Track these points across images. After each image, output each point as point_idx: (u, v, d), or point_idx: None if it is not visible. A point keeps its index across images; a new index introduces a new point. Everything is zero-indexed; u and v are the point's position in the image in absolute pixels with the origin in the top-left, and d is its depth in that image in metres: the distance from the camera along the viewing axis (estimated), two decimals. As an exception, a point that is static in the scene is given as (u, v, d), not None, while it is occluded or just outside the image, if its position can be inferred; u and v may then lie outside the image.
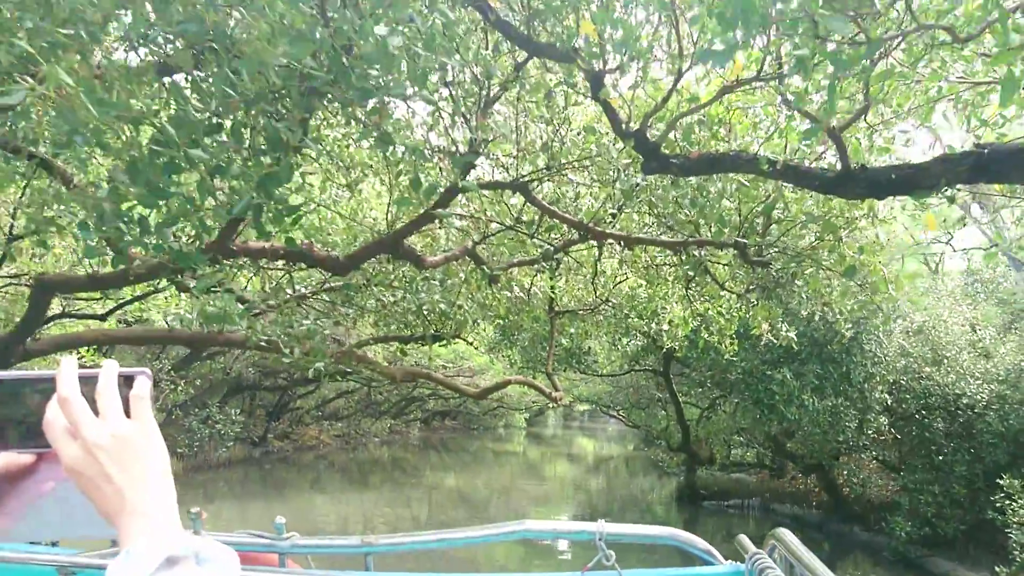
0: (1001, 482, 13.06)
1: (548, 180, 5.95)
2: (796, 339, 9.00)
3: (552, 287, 9.71)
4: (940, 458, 15.32)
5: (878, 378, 14.08)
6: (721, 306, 9.28)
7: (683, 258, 8.18)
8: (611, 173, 5.70)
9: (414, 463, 37.29)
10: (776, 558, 2.43)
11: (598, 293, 9.72)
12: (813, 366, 13.08)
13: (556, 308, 11.14)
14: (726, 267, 8.63)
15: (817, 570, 2.14)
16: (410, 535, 2.83)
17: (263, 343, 7.56)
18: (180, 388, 22.48)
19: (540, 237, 6.82)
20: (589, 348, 14.85)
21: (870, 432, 14.59)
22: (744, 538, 2.66)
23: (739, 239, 5.85)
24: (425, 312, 7.94)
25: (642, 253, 8.86)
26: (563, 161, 5.64)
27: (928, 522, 15.11)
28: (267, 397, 32.44)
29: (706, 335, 9.58)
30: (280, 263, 6.27)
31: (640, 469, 37.97)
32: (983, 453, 14.92)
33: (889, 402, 14.60)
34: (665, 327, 9.80)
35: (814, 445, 17.49)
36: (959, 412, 15.42)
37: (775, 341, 9.77)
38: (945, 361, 15.72)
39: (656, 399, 21.66)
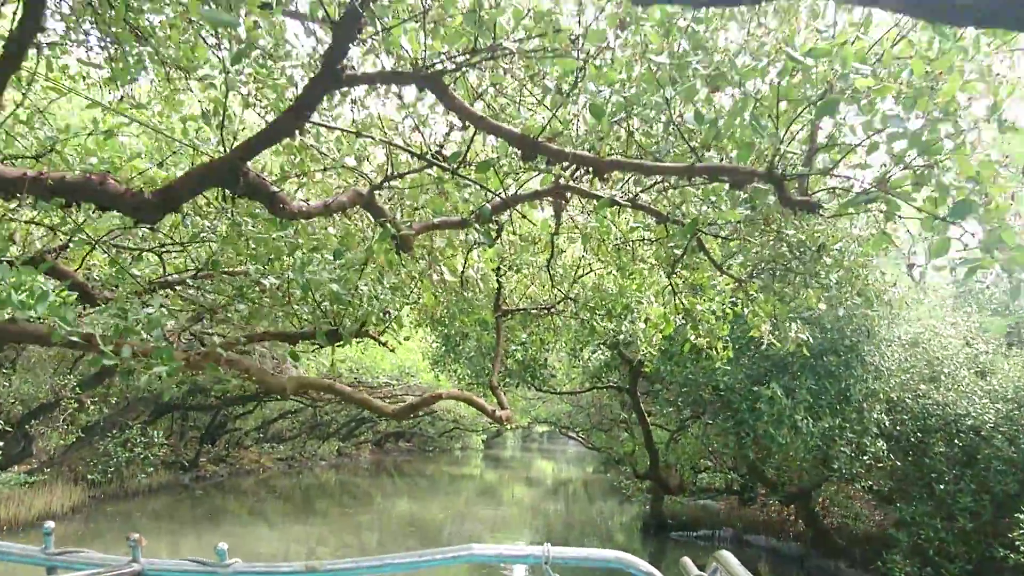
0: (1021, 515, 11.07)
1: (475, 67, 3.75)
2: (807, 342, 6.78)
3: (496, 270, 7.43)
4: (941, 487, 13.28)
5: (881, 395, 12.05)
6: (712, 299, 7.05)
7: (669, 231, 5.95)
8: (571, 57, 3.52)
9: (364, 488, 34.59)
10: None
11: (555, 284, 7.46)
12: (807, 381, 10.99)
13: (504, 306, 8.84)
14: (723, 243, 6.44)
15: None
16: (354, 560, 2.82)
17: (75, 339, 5.09)
18: (90, 408, 19.74)
19: (467, 175, 4.55)
20: (546, 361, 12.69)
21: (865, 459, 12.50)
22: (687, 560, 2.73)
23: (773, 169, 3.66)
24: (317, 299, 5.61)
25: (610, 228, 6.63)
26: (498, 42, 3.44)
27: (930, 561, 13.04)
28: (201, 418, 29.57)
29: (692, 337, 7.36)
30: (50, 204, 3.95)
31: (600, 493, 35.93)
32: (990, 482, 12.91)
33: (886, 423, 12.52)
34: (641, 327, 7.56)
35: (801, 473, 15.36)
36: (961, 435, 13.44)
37: (777, 346, 7.58)
38: (942, 378, 13.77)
39: (620, 420, 19.42)
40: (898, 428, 12.98)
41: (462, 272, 6.74)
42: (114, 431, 22.25)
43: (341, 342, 5.92)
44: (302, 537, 21.69)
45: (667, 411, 15.14)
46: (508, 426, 7.51)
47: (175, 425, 28.51)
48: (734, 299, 7.36)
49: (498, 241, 7.86)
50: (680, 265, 6.61)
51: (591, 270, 7.63)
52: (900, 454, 13.06)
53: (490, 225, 5.64)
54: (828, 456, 12.06)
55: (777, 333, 6.94)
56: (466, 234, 6.13)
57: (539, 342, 10.11)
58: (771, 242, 5.96)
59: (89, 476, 21.14)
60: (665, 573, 2.55)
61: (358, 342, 7.38)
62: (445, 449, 56.12)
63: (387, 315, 6.32)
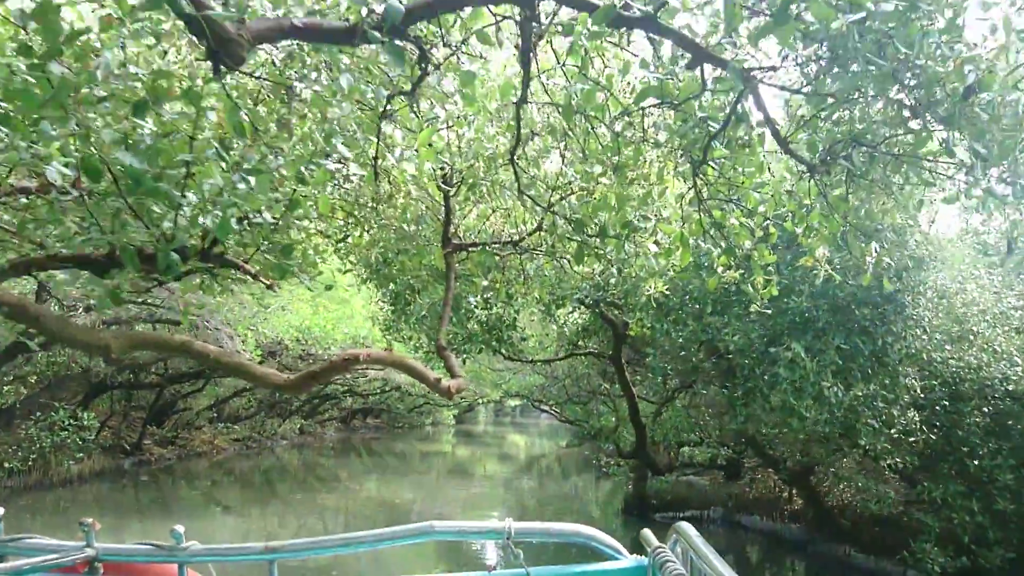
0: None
1: None
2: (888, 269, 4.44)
3: (444, 182, 5.04)
4: (976, 463, 11.18)
5: (924, 356, 9.90)
6: (753, 211, 4.67)
7: (702, 86, 3.57)
8: None
9: (329, 468, 32.16)
10: (678, 552, 2.53)
11: (522, 191, 5.04)
12: (835, 340, 8.74)
13: (456, 239, 6.44)
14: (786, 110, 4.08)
15: (714, 564, 2.14)
16: (315, 539, 2.78)
17: None
18: (5, 389, 17.11)
19: None
20: (515, 321, 10.37)
21: (892, 432, 10.31)
22: (648, 532, 2.77)
23: None
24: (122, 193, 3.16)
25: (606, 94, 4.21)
26: None
27: (964, 548, 10.97)
28: (146, 397, 26.89)
29: (721, 269, 5.01)
30: None
31: (574, 468, 34.01)
32: (1035, 456, 10.88)
33: (918, 390, 10.33)
34: (652, 248, 5.17)
35: (807, 448, 13.18)
36: (996, 402, 11.33)
37: (835, 279, 5.27)
38: (970, 337, 11.63)
39: (600, 391, 17.17)
40: (925, 395, 10.81)
41: (376, 160, 4.30)
42: (37, 414, 19.59)
43: (170, 274, 3.49)
44: (262, 522, 19.41)
45: (656, 380, 12.93)
46: (455, 398, 5.18)
47: (116, 406, 25.80)
48: (783, 212, 4.99)
49: (443, 136, 5.41)
50: (712, 153, 4.20)
51: (570, 176, 5.21)
52: (927, 425, 10.88)
53: (409, 52, 3.22)
54: (850, 430, 9.85)
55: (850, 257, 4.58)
56: (368, 81, 3.68)
57: (504, 293, 7.71)
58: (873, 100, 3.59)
59: (7, 464, 18.47)
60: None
61: (231, 280, 4.91)
62: (415, 425, 53.73)
63: (251, 225, 3.87)
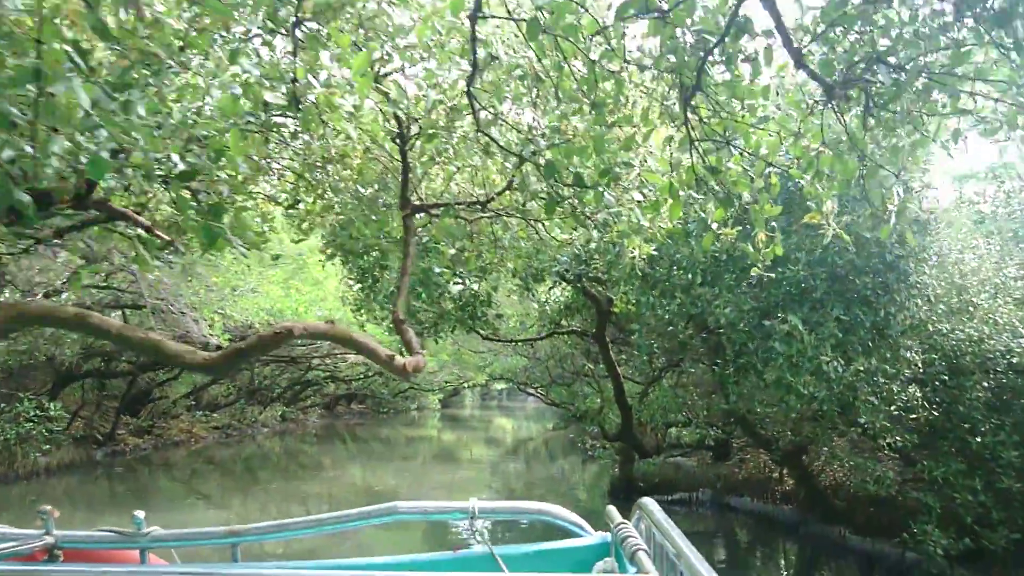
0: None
1: None
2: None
3: (399, 138, 4.31)
4: (978, 440, 10.58)
5: (929, 327, 9.27)
6: (754, 152, 3.95)
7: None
8: None
9: (312, 455, 31.43)
10: (642, 528, 2.53)
11: (480, 127, 4.28)
12: (834, 311, 8.05)
13: (414, 198, 5.70)
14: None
15: (675, 539, 2.16)
16: (278, 523, 2.72)
17: None
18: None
19: None
20: (489, 297, 9.60)
21: (893, 409, 9.68)
22: (612, 509, 2.70)
23: None
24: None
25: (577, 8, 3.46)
26: None
27: (967, 529, 10.39)
28: (120, 386, 26.01)
29: (716, 226, 4.29)
30: None
31: (561, 451, 33.50)
32: (1038, 432, 10.29)
33: (919, 364, 9.70)
34: (638, 197, 4.43)
35: (799, 427, 12.57)
36: (998, 376, 10.74)
37: (845, 241, 4.56)
38: (970, 308, 11.00)
39: (584, 372, 16.43)
40: (924, 370, 10.17)
41: (294, 81, 3.53)
42: (0, 405, 18.72)
43: (28, 223, 2.72)
44: (242, 510, 18.69)
45: (642, 359, 12.22)
46: (413, 378, 4.45)
47: (87, 396, 24.92)
48: (787, 159, 4.28)
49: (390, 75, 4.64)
50: (707, 80, 3.46)
51: (541, 123, 4.46)
52: (927, 401, 10.26)
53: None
54: (847, 407, 9.20)
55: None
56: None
57: (475, 263, 6.97)
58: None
59: (-33, 458, 17.64)
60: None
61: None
62: (400, 410, 52.98)
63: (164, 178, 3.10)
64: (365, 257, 9.44)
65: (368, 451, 34.31)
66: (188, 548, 2.78)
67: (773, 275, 8.32)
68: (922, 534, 10.41)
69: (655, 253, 8.24)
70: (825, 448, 12.83)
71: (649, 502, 2.56)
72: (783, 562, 13.83)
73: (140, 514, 2.71)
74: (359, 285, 9.78)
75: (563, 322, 13.23)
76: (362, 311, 11.74)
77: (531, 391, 34.84)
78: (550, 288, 11.05)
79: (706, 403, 14.62)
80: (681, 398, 14.22)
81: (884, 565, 12.07)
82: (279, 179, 6.52)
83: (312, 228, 7.15)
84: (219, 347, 15.39)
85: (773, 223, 4.46)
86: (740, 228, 4.66)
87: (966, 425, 10.72)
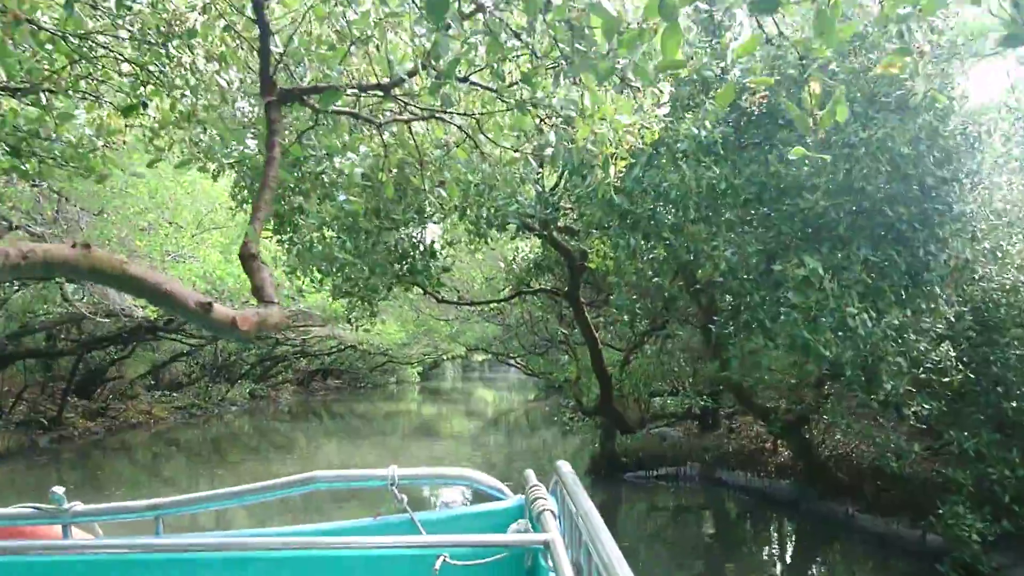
0: None
1: None
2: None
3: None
4: (1014, 405, 8.90)
5: (978, 271, 7.53)
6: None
7: None
8: None
9: (286, 433, 29.55)
10: (558, 492, 2.63)
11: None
12: (860, 250, 6.20)
13: (280, 84, 3.77)
14: None
15: (580, 500, 2.21)
16: (199, 495, 2.73)
17: None
18: None
19: None
20: (432, 247, 7.71)
21: (920, 372, 7.94)
22: (529, 472, 2.80)
23: None
24: None
25: None
26: None
27: (1006, 510, 8.73)
28: (68, 366, 23.96)
29: (745, 53, 2.46)
30: None
31: (542, 421, 31.95)
32: (1086, 395, 8.63)
33: (951, 316, 7.94)
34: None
35: (800, 394, 10.85)
36: (1035, 331, 9.04)
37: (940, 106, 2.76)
38: (1000, 255, 9.25)
39: (558, 338, 14.55)
40: (954, 324, 8.43)
41: None
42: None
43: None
44: (180, 516, 16.74)
45: (622, 322, 10.38)
46: (249, 336, 2.62)
47: (29, 377, 22.89)
48: None
49: None
50: None
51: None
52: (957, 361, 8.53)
53: None
54: (867, 370, 7.43)
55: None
56: None
57: (390, 185, 5.05)
58: None
59: None
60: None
61: None
62: (378, 384, 51.09)
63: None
64: (281, 202, 7.52)
65: (344, 427, 32.51)
66: (111, 522, 2.74)
67: (776, 211, 6.49)
68: (952, 516, 8.73)
69: (638, 184, 6.37)
70: (825, 417, 11.09)
71: (563, 465, 2.68)
72: (782, 541, 12.18)
73: (59, 490, 2.65)
74: (275, 234, 7.86)
75: (532, 283, 11.35)
76: (296, 273, 9.80)
77: (512, 362, 33.24)
78: (512, 238, 9.20)
79: (692, 370, 12.86)
80: (666, 365, 12.45)
81: (900, 548, 10.41)
82: (107, 72, 4.57)
83: (171, 145, 5.22)
84: (144, 318, 13.40)
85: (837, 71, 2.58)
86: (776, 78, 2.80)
87: (999, 389, 9.03)
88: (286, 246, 8.04)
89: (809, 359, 6.29)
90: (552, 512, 2.41)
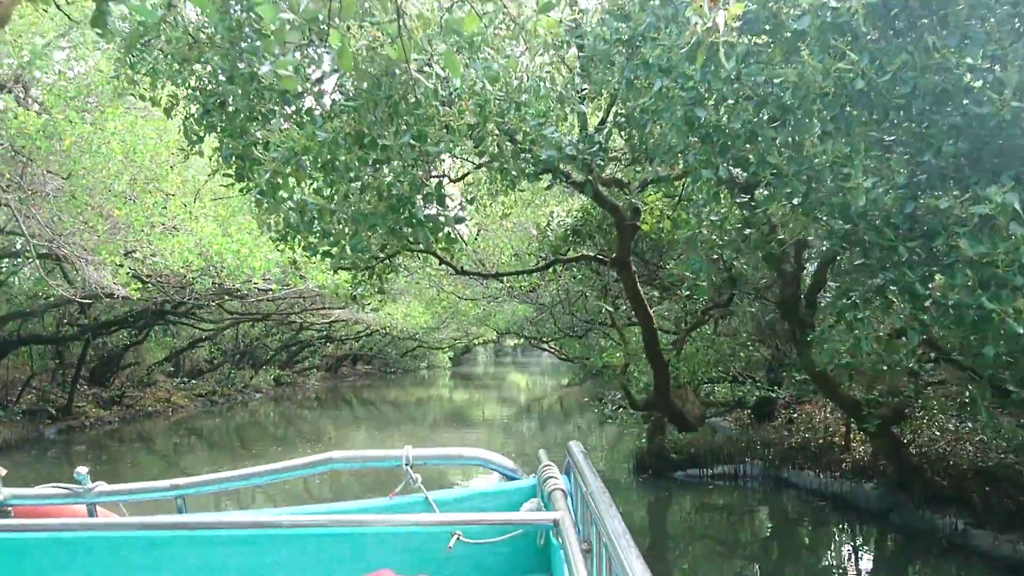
0: None
1: None
2: None
3: None
4: None
5: None
6: None
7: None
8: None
9: (313, 420, 27.92)
10: (571, 472, 2.60)
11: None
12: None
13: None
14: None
15: (589, 480, 2.16)
16: (219, 475, 2.86)
17: None
18: None
19: None
20: (440, 188, 5.74)
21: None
22: (542, 452, 2.88)
23: None
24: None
25: None
26: None
27: None
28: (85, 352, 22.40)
29: None
30: None
31: (577, 408, 29.96)
32: None
33: None
34: None
35: (896, 386, 8.64)
36: None
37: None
38: None
39: (599, 318, 12.22)
40: None
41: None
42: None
43: None
44: (232, 489, 15.07)
45: (680, 296, 8.24)
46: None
47: (40, 363, 21.36)
48: None
49: None
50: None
51: None
52: None
53: None
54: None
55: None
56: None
57: (346, 58, 3.01)
58: None
59: None
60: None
61: None
62: (409, 370, 49.30)
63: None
64: (234, 141, 5.52)
65: (373, 415, 30.82)
66: (134, 502, 2.80)
67: (951, 116, 4.30)
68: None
69: (729, 85, 4.24)
70: (939, 415, 8.85)
71: (575, 445, 2.62)
72: (878, 561, 9.95)
73: (83, 470, 2.72)
74: (240, 185, 5.85)
75: (570, 251, 9.15)
76: (288, 239, 7.79)
77: (544, 346, 31.29)
78: (548, 187, 7.09)
79: (760, 355, 10.65)
80: (729, 348, 10.26)
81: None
82: None
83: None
84: (125, 297, 11.54)
85: None
86: None
87: None
88: (252, 198, 6.01)
89: (992, 332, 4.14)
90: (563, 491, 2.42)
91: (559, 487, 2.43)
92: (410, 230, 5.12)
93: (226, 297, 15.63)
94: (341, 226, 5.35)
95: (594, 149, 6.31)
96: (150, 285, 12.95)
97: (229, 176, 6.04)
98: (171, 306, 17.85)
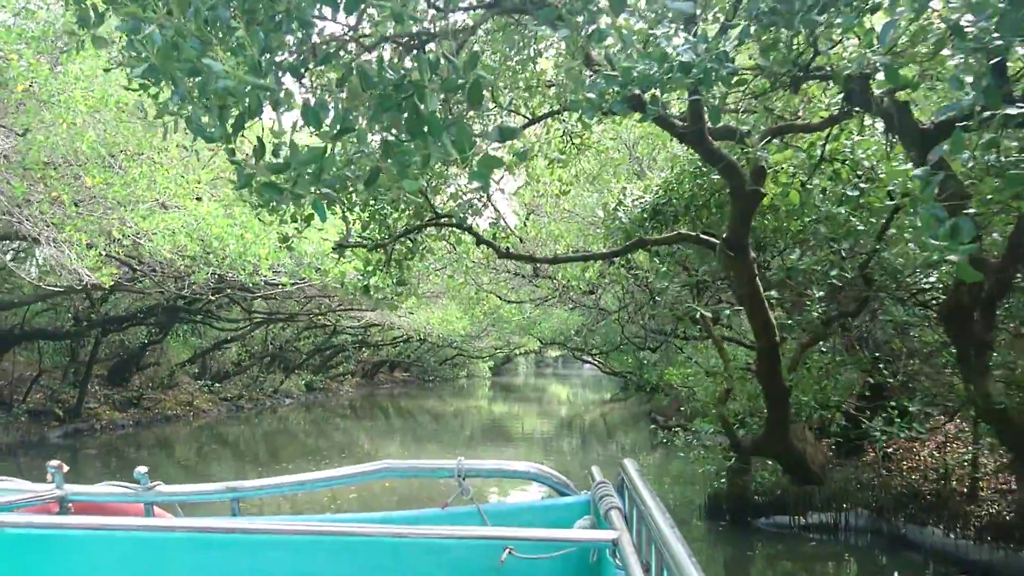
0: None
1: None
2: None
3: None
4: None
5: None
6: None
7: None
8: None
9: (346, 429, 25.73)
10: (624, 491, 2.46)
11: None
12: None
13: None
14: None
15: (646, 499, 2.10)
16: (274, 479, 2.90)
17: None
18: None
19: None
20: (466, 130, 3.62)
21: None
22: (595, 469, 2.78)
23: None
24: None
25: None
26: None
27: None
28: (104, 350, 20.47)
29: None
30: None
31: (621, 425, 27.43)
32: None
33: None
34: None
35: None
36: None
37: None
38: None
39: (684, 325, 9.34)
40: None
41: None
42: None
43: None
44: (255, 498, 12.83)
45: (812, 302, 5.75)
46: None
47: (54, 360, 19.47)
48: None
49: None
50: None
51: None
52: None
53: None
54: None
55: None
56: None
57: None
58: None
59: None
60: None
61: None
62: (448, 378, 46.90)
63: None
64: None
65: (409, 426, 28.45)
66: (191, 503, 2.90)
67: None
68: None
69: None
70: None
71: (630, 464, 2.48)
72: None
73: (143, 470, 2.75)
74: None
75: (651, 232, 6.62)
76: (271, 211, 5.49)
77: (588, 360, 28.79)
78: (642, 120, 4.64)
79: (879, 377, 7.91)
80: (849, 365, 7.54)
81: None
82: None
83: None
84: (96, 286, 9.32)
85: None
86: None
87: None
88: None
89: None
90: (619, 510, 2.32)
91: (616, 505, 2.32)
92: (418, 142, 2.66)
93: (237, 292, 13.41)
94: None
95: (713, 60, 3.80)
96: (140, 273, 10.73)
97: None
98: (184, 302, 15.74)
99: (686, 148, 7.40)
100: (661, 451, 18.71)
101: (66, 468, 2.83)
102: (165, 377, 22.63)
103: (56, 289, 10.89)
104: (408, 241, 6.60)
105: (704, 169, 7.09)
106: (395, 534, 2.53)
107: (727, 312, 5.55)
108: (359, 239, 6.50)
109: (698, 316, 5.66)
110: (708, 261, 6.99)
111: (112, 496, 2.80)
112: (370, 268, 6.93)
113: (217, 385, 23.82)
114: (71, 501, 2.90)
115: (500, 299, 14.33)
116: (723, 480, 10.34)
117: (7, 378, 18.03)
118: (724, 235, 5.29)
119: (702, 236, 5.36)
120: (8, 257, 12.10)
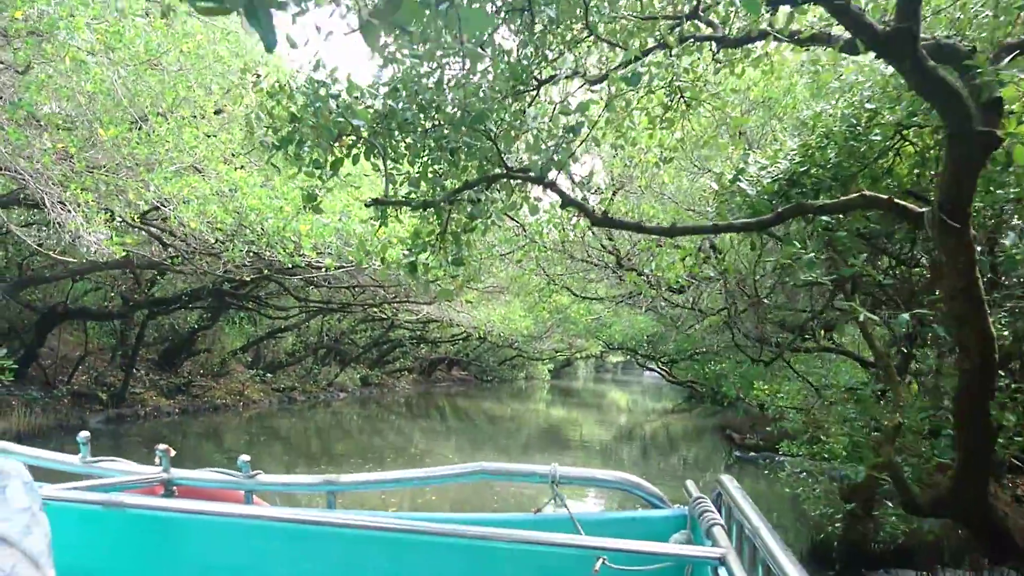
0: None
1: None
2: None
3: None
4: None
5: None
6: None
7: None
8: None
9: (399, 428, 24.32)
10: (721, 504, 2.38)
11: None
12: None
13: None
14: None
15: (751, 517, 2.02)
16: (371, 475, 2.82)
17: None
18: None
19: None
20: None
21: None
22: (690, 483, 2.61)
23: None
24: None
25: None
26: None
27: None
28: (153, 334, 19.51)
29: None
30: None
31: (684, 437, 25.50)
32: None
33: None
34: None
35: None
36: None
37: None
38: None
39: (804, 331, 7.26)
40: None
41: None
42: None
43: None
44: (291, 498, 11.50)
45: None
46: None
47: (104, 341, 18.55)
48: None
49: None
50: None
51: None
52: None
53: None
54: None
55: None
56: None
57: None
58: None
59: None
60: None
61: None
62: (507, 379, 45.21)
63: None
64: None
65: (464, 427, 26.88)
66: (289, 493, 2.94)
67: None
68: None
69: None
70: None
71: (728, 479, 2.38)
72: None
73: (246, 458, 2.74)
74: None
75: (783, 202, 4.84)
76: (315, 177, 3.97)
77: (651, 367, 26.77)
78: (806, 47, 2.63)
79: None
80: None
81: None
82: None
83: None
84: (125, 262, 7.94)
85: None
86: None
87: None
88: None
89: None
90: (722, 527, 2.23)
91: (719, 522, 2.19)
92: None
93: (276, 275, 12.01)
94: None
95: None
96: (172, 249, 9.37)
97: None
98: (231, 286, 14.49)
99: (837, 102, 5.51)
100: (736, 469, 16.79)
101: (173, 452, 2.86)
102: (216, 364, 21.59)
103: (82, 265, 9.58)
104: (467, 205, 4.89)
105: (859, 129, 5.21)
106: (488, 536, 2.38)
107: (906, 318, 3.73)
108: (404, 198, 4.82)
109: (850, 311, 3.92)
110: (864, 249, 5.14)
111: (215, 483, 2.82)
112: (420, 241, 5.28)
113: (270, 375, 22.68)
114: (176, 484, 2.93)
115: (575, 295, 12.52)
116: (838, 524, 8.36)
117: (52, 358, 17.14)
118: (935, 199, 3.48)
119: (899, 202, 3.55)
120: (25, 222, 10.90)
